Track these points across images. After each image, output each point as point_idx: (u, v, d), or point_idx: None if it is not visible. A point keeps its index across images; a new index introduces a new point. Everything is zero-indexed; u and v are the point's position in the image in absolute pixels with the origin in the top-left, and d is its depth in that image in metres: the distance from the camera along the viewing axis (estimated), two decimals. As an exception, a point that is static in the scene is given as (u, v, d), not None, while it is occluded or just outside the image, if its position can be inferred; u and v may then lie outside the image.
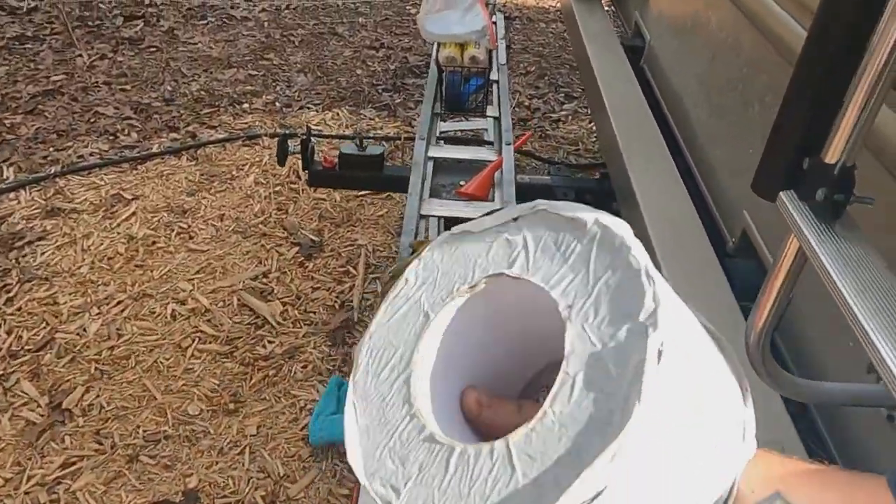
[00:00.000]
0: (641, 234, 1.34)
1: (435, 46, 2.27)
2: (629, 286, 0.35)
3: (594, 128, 2.92)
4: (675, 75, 1.77)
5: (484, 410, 0.39)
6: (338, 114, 2.92)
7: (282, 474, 1.55)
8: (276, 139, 1.80)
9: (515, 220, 0.41)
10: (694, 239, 1.31)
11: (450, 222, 1.58)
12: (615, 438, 0.31)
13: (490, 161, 1.77)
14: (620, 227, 0.37)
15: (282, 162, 1.85)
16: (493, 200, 1.64)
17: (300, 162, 1.91)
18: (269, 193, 2.38)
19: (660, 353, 0.32)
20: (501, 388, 0.42)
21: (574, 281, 0.37)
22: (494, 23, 2.15)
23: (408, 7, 3.98)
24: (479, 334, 0.42)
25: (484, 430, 0.38)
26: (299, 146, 1.80)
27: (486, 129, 2.54)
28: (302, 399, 1.71)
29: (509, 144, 1.76)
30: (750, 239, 1.26)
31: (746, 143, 1.30)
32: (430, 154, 1.75)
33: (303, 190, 2.41)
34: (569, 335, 0.35)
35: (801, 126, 0.66)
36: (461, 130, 2.50)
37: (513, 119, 2.12)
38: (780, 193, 0.68)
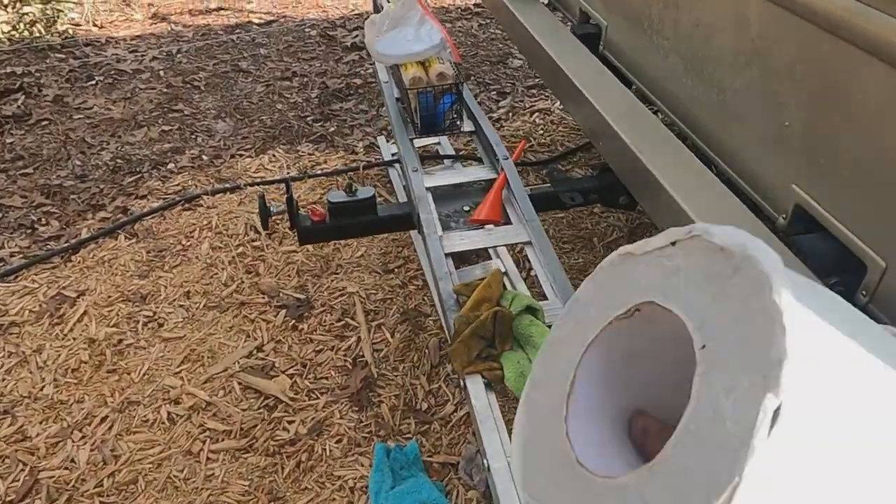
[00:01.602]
0: (684, 218, 1.29)
1: (382, 69, 2.14)
2: (763, 330, 0.33)
3: (538, 122, 2.88)
4: (653, 57, 1.73)
5: (649, 439, 0.40)
6: (274, 155, 2.71)
7: (356, 569, 1.39)
8: (259, 201, 1.61)
9: (673, 244, 0.41)
10: (744, 216, 1.28)
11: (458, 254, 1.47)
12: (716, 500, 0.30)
13: (490, 179, 1.67)
14: (767, 259, 0.35)
15: (266, 226, 1.67)
16: (511, 223, 1.54)
17: (272, 221, 1.73)
18: (232, 257, 2.17)
19: (776, 415, 0.30)
20: (670, 414, 0.40)
21: (713, 317, 0.36)
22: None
23: (306, 30, 3.79)
24: (644, 360, 0.42)
25: (651, 454, 0.38)
26: (283, 204, 1.62)
27: (438, 144, 2.45)
28: (349, 478, 1.55)
29: (507, 158, 1.67)
30: (807, 211, 1.23)
31: (779, 116, 1.27)
32: (428, 184, 1.63)
33: (267, 246, 2.21)
34: (696, 379, 0.34)
35: None
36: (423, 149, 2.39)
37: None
38: None
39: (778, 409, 0.31)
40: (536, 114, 2.95)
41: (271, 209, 1.62)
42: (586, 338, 0.43)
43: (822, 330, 0.34)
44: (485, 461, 1.04)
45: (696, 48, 1.52)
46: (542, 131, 2.82)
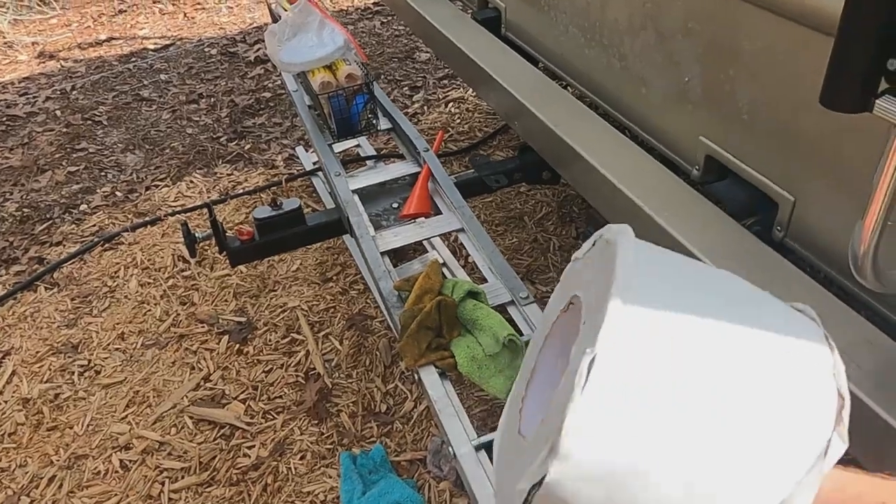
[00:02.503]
0: (605, 184, 1.34)
1: (290, 78, 2.11)
2: (605, 296, 0.39)
3: (454, 111, 2.90)
4: (554, 32, 1.76)
5: None
6: (192, 181, 2.64)
7: (339, 581, 1.38)
8: (182, 229, 1.56)
9: (594, 244, 0.50)
10: (662, 174, 1.33)
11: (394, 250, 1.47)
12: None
13: (414, 173, 1.68)
14: (619, 235, 0.44)
15: (193, 253, 1.62)
16: (441, 213, 1.55)
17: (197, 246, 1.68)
18: (164, 291, 2.10)
19: (591, 365, 0.36)
20: None
21: (594, 295, 0.43)
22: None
23: (206, 49, 3.69)
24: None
25: None
26: (207, 229, 1.58)
27: (358, 146, 2.44)
28: (319, 492, 1.53)
29: (427, 150, 1.67)
30: (717, 160, 1.29)
31: (678, 74, 1.33)
32: (353, 187, 1.62)
33: (199, 274, 2.15)
34: (573, 349, 0.42)
35: (880, 29, 0.65)
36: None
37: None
38: (877, 101, 0.67)
39: (592, 360, 0.36)
40: (451, 104, 2.97)
41: (196, 235, 1.58)
42: (545, 331, 0.52)
43: (655, 290, 0.40)
44: (450, 448, 1.05)
45: (592, 18, 1.56)
46: (458, 120, 2.84)
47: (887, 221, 0.75)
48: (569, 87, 1.78)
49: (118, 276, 2.18)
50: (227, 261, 1.73)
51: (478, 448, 1.04)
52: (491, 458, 1.04)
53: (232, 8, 4.21)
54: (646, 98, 1.48)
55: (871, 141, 1.00)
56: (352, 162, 2.37)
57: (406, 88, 3.18)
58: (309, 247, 2.19)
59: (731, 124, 1.24)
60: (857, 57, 0.67)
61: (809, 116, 1.07)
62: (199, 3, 4.31)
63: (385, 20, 3.86)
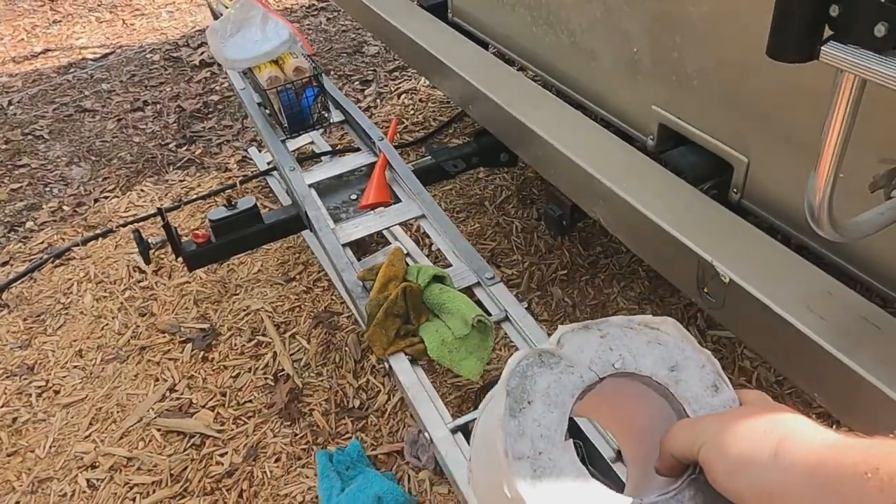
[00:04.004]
0: (563, 161, 1.33)
1: (236, 76, 2.06)
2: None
3: (407, 103, 2.88)
4: (502, 14, 1.75)
5: None
6: (142, 190, 2.56)
7: (324, 580, 1.35)
8: (134, 238, 1.51)
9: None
10: (618, 146, 1.33)
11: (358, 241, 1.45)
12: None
13: (370, 163, 1.65)
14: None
15: (147, 260, 1.57)
16: (400, 201, 1.53)
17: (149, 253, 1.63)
18: (121, 303, 2.03)
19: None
20: None
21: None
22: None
23: (148, 55, 3.59)
24: None
25: None
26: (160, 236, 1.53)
27: (312, 143, 2.40)
28: (296, 494, 1.50)
29: (382, 139, 1.65)
30: (670, 127, 1.30)
31: (626, 46, 1.33)
32: (309, 181, 1.59)
33: (156, 283, 2.08)
34: None
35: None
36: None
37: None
38: (823, 48, 0.68)
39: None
40: (403, 95, 2.95)
41: (150, 242, 1.53)
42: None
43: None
44: (426, 434, 1.03)
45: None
46: (412, 111, 2.82)
47: (839, 170, 0.76)
48: (521, 69, 1.77)
49: (71, 292, 2.10)
50: (185, 267, 1.68)
51: (454, 431, 1.02)
52: (468, 440, 1.03)
53: (172, 13, 4.10)
54: (597, 72, 1.48)
55: (817, 96, 1.01)
56: (307, 160, 2.33)
57: (357, 83, 3.14)
58: (269, 247, 2.15)
59: (681, 91, 1.25)
60: (800, 6, 0.68)
61: (758, 77, 1.08)
62: (137, 10, 4.19)
63: (331, 16, 3.81)
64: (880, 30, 0.63)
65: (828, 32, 0.68)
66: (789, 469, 0.39)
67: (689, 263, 1.08)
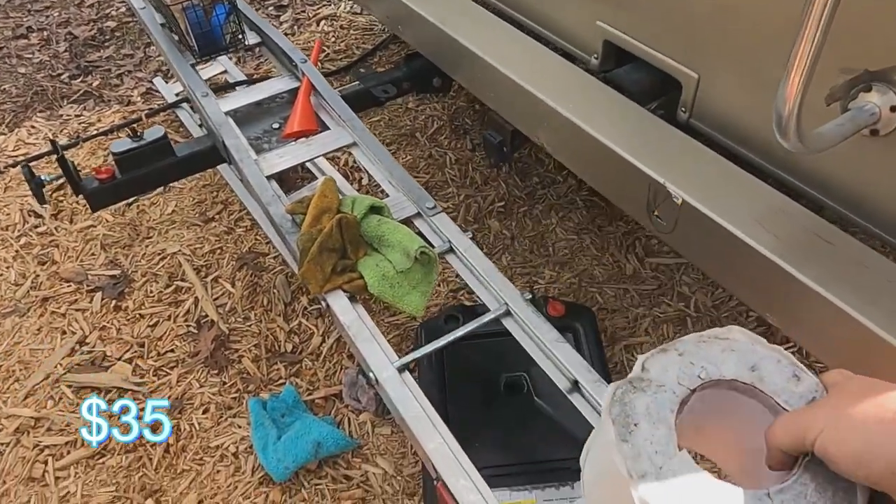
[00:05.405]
0: (504, 82, 1.25)
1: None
2: None
3: (327, 30, 2.70)
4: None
5: None
6: (33, 127, 2.30)
7: (264, 532, 1.29)
8: (23, 173, 1.33)
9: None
10: (561, 65, 1.26)
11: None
12: None
13: (293, 89, 1.51)
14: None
15: (42, 199, 1.39)
16: (329, 128, 1.41)
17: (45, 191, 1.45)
18: (16, 252, 1.83)
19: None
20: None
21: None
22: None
23: (29, -24, 3.19)
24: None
25: None
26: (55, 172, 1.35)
27: (225, 72, 2.22)
28: (229, 445, 1.41)
29: (305, 62, 1.51)
30: (615, 44, 1.23)
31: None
32: (225, 108, 1.44)
33: (56, 228, 1.89)
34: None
35: None
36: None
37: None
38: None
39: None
40: (323, 21, 2.75)
41: (43, 178, 1.35)
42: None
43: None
44: (371, 374, 0.96)
45: None
46: (333, 39, 2.64)
47: (811, 78, 0.71)
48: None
49: (-44, 242, 1.88)
50: (87, 207, 1.51)
51: (401, 370, 0.96)
52: (416, 380, 0.97)
53: (55, -73, 3.65)
54: (536, -14, 1.39)
55: (768, 8, 0.97)
56: (220, 90, 2.14)
57: (271, 7, 2.90)
58: (183, 185, 1.98)
59: (627, 6, 1.18)
60: None
61: (710, -15, 1.02)
62: (13, -76, 3.70)
63: (238, -65, 3.49)
64: None
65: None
66: None
67: (639, 186, 1.04)
